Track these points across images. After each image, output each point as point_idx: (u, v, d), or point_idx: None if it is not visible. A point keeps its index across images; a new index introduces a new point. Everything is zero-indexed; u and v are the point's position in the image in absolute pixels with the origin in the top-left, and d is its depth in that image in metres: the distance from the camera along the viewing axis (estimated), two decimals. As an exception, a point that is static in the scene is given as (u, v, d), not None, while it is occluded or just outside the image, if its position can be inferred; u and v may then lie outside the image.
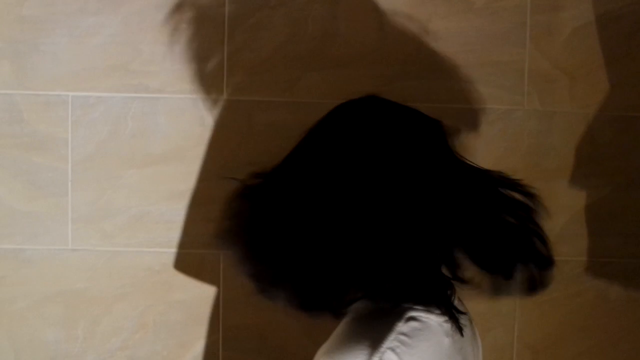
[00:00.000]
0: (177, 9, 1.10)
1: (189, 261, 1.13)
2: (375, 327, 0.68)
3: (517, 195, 0.77)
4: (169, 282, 1.13)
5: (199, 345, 1.14)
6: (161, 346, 1.14)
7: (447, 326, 0.72)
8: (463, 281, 0.74)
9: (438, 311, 0.71)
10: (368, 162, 0.70)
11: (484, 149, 1.14)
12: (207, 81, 1.11)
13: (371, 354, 0.64)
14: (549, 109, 1.14)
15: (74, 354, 1.13)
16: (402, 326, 0.68)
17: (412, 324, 0.68)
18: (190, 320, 1.14)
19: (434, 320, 0.70)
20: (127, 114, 1.11)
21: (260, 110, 1.12)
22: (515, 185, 0.79)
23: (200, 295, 1.14)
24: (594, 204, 1.16)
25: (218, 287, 1.13)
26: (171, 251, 1.13)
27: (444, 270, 0.75)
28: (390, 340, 0.66)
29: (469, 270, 0.76)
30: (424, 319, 0.69)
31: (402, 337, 0.67)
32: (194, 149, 1.12)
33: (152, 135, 1.12)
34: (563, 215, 1.15)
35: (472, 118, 1.14)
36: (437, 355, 0.68)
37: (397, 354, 0.65)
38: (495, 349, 1.15)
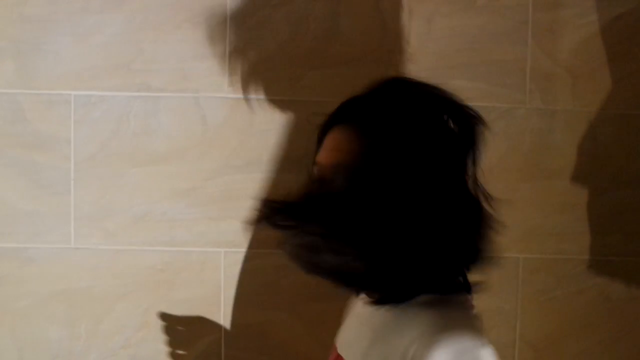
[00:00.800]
0: (179, 8, 1.10)
1: (191, 260, 1.13)
2: (462, 315, 0.75)
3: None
4: (171, 280, 1.13)
5: (201, 344, 1.15)
6: (163, 345, 1.14)
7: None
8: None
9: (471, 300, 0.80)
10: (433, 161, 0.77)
11: (485, 148, 1.14)
12: (209, 80, 1.11)
13: (480, 336, 0.71)
14: (551, 107, 1.14)
15: (76, 353, 1.14)
16: (475, 314, 0.77)
17: (475, 311, 0.78)
18: (192, 319, 1.14)
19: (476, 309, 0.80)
20: (129, 112, 1.11)
21: (261, 108, 1.12)
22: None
23: (203, 294, 1.14)
24: (596, 202, 1.15)
25: (220, 285, 1.13)
26: (173, 250, 1.13)
27: None
28: (479, 327, 0.74)
29: None
30: (475, 308, 0.79)
31: (479, 323, 0.75)
32: (196, 147, 1.12)
33: (154, 134, 1.12)
34: (565, 214, 1.15)
35: (474, 116, 1.14)
36: None
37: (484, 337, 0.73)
38: (497, 347, 1.14)
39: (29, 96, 1.10)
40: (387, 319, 0.79)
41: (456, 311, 0.75)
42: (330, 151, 0.80)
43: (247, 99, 1.12)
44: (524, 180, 1.14)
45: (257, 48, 1.11)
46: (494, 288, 1.14)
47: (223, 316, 1.14)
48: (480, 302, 1.13)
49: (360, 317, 0.85)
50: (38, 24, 1.10)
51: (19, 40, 1.10)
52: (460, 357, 0.70)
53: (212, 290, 1.14)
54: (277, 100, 1.12)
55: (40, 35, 1.10)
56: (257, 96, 1.12)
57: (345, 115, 0.83)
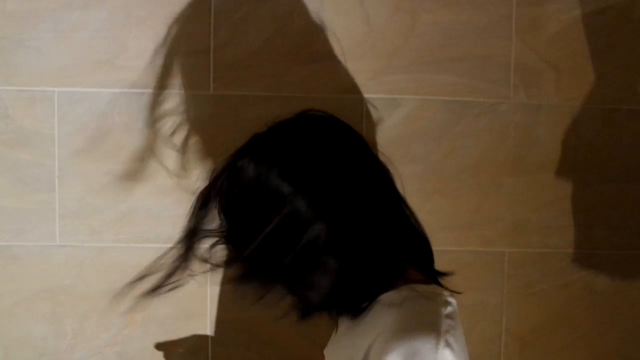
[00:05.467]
0: (163, 3, 1.10)
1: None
2: (426, 312, 0.74)
3: None
4: (157, 277, 1.13)
5: (188, 340, 1.14)
6: (150, 342, 1.14)
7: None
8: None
9: (449, 293, 0.80)
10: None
11: (470, 143, 1.15)
12: (194, 76, 1.11)
13: (437, 337, 0.70)
14: (535, 102, 1.15)
15: (62, 350, 1.13)
16: (445, 311, 0.75)
17: (450, 308, 0.76)
18: (179, 316, 1.14)
19: (454, 301, 0.79)
20: (113, 109, 1.11)
21: (247, 105, 1.12)
22: None
23: (189, 291, 1.13)
24: (581, 195, 1.16)
25: (206, 281, 1.13)
26: (159, 247, 1.12)
27: None
28: (443, 324, 0.73)
29: None
30: (452, 302, 0.78)
31: (449, 321, 0.74)
32: (181, 144, 1.11)
33: (138, 131, 1.11)
34: (549, 208, 1.16)
35: (458, 111, 1.14)
36: (462, 330, 0.77)
37: (452, 335, 0.72)
38: (483, 341, 1.16)
39: (12, 92, 1.10)
40: (356, 322, 0.80)
41: (419, 307, 0.75)
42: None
43: (232, 95, 1.12)
44: (509, 175, 1.15)
45: (242, 44, 1.11)
46: (480, 282, 1.16)
47: (210, 313, 1.14)
48: (466, 296, 1.14)
49: (342, 322, 0.87)
50: (20, 20, 1.09)
51: (1, 36, 1.09)
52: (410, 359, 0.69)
53: (199, 287, 1.13)
54: (262, 96, 1.12)
55: (22, 31, 1.09)
56: (242, 92, 1.12)
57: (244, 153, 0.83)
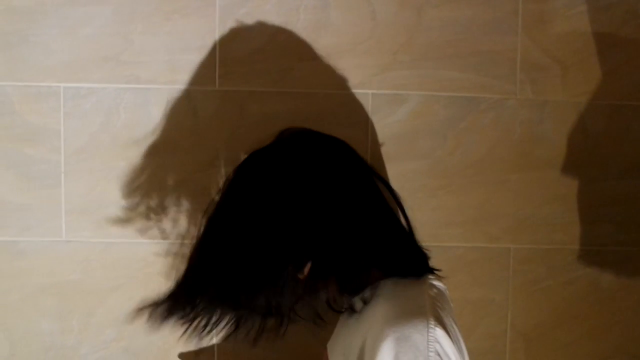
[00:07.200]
0: (168, -1, 1.10)
1: (182, 252, 1.13)
2: (412, 298, 0.77)
3: None
4: (163, 273, 1.13)
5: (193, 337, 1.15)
6: (156, 337, 1.14)
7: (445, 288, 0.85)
8: None
9: (434, 277, 0.84)
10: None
11: (476, 139, 1.14)
12: (199, 72, 1.11)
13: (427, 319, 0.73)
14: (541, 98, 1.15)
15: (69, 346, 1.14)
16: (430, 293, 0.79)
17: (434, 290, 0.80)
18: (184, 311, 1.14)
19: (440, 284, 0.83)
20: (119, 105, 1.11)
21: (252, 100, 1.12)
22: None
23: (195, 286, 1.14)
24: (586, 192, 1.16)
25: (212, 277, 1.14)
26: (165, 242, 1.13)
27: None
28: (430, 305, 0.76)
29: None
30: (438, 285, 0.82)
31: (435, 302, 0.77)
32: (186, 139, 1.12)
33: (144, 127, 1.11)
34: (555, 204, 1.16)
35: (464, 107, 1.14)
36: (451, 311, 0.80)
37: (441, 315, 0.75)
38: (488, 337, 1.16)
39: (18, 88, 1.10)
40: (354, 315, 0.83)
41: (405, 297, 0.78)
42: None
43: (237, 91, 1.12)
44: (514, 171, 1.15)
45: (247, 39, 1.11)
46: (485, 278, 1.16)
47: (215, 308, 1.14)
48: (471, 292, 1.14)
49: (344, 317, 0.90)
50: (26, 16, 1.09)
51: (7, 32, 1.09)
52: (405, 343, 0.72)
53: (204, 282, 1.14)
54: (268, 91, 1.12)
55: (28, 27, 1.09)
56: (247, 88, 1.12)
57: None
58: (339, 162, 0.86)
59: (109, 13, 1.10)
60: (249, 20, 1.11)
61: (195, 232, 1.12)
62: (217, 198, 0.92)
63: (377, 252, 0.83)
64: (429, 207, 1.14)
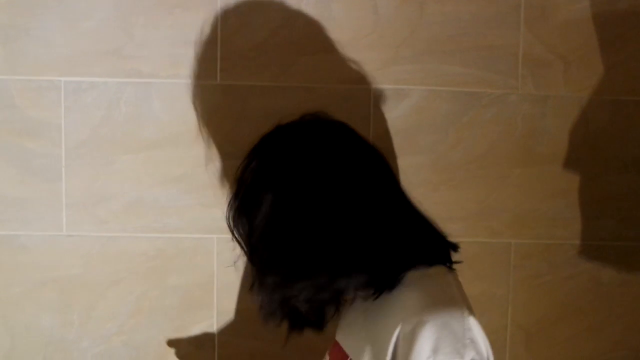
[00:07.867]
0: (170, -8, 1.09)
1: (183, 246, 1.13)
2: (442, 287, 0.81)
3: None
4: (164, 267, 1.13)
5: (194, 330, 1.15)
6: (157, 331, 1.14)
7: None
8: None
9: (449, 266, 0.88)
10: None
11: (477, 133, 1.14)
12: (201, 66, 1.10)
13: (461, 308, 0.77)
14: (543, 93, 1.14)
15: (69, 340, 1.14)
16: (456, 283, 0.84)
17: (458, 280, 0.86)
18: (185, 305, 1.14)
19: (455, 272, 0.88)
20: (120, 99, 1.11)
21: (254, 95, 1.11)
22: None
23: (195, 280, 1.14)
24: (588, 187, 1.16)
25: (213, 271, 1.14)
26: (166, 236, 1.13)
27: None
28: (460, 295, 0.81)
29: None
30: (454, 272, 0.87)
31: (462, 292, 0.82)
32: (188, 133, 1.11)
33: (145, 121, 1.11)
34: (557, 199, 1.16)
35: (466, 102, 1.14)
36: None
37: (470, 304, 0.81)
38: (489, 331, 1.15)
39: (19, 82, 1.09)
40: (376, 303, 0.84)
41: (436, 286, 0.81)
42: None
43: (239, 85, 1.11)
44: (516, 166, 1.15)
45: (249, 34, 1.11)
46: (486, 273, 1.16)
47: (216, 302, 1.14)
48: (472, 286, 1.14)
49: (356, 308, 0.90)
50: (27, 9, 1.09)
51: (7, 25, 1.09)
52: (444, 330, 0.75)
53: (205, 277, 1.14)
54: (269, 86, 1.11)
55: (29, 20, 1.09)
56: (249, 82, 1.11)
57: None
58: (374, 152, 0.89)
59: (110, 6, 1.09)
60: (251, 14, 1.10)
61: (197, 224, 1.12)
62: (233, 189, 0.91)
63: (410, 245, 0.86)
64: (430, 202, 1.14)
